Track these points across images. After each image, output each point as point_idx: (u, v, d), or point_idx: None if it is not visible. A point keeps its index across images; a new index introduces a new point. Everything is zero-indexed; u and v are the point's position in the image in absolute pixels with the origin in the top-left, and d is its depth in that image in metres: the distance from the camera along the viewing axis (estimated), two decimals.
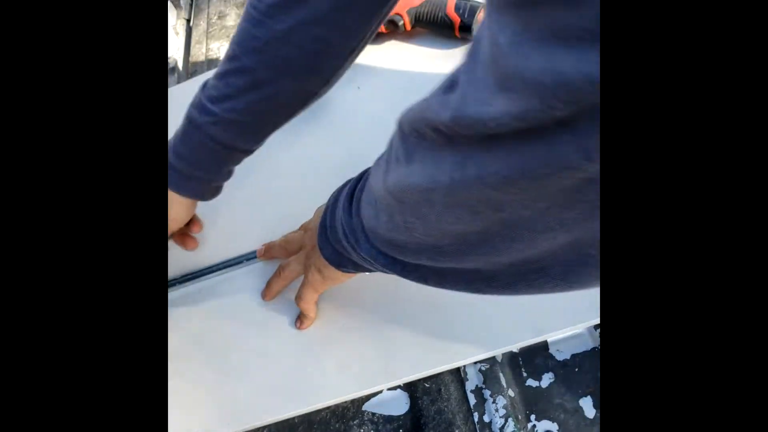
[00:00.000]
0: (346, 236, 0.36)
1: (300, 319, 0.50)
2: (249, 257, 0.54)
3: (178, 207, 0.50)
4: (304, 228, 0.51)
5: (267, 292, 0.52)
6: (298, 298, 0.48)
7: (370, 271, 0.39)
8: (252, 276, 0.55)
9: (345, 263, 0.40)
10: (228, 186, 0.62)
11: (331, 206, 0.39)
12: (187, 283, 0.56)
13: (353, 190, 0.36)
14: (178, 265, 0.57)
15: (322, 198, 0.57)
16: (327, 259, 0.41)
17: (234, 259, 0.55)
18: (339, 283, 0.45)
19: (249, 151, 0.48)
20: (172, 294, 0.57)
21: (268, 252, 0.53)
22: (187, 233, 0.57)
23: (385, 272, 0.36)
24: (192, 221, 0.57)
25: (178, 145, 0.47)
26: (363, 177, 0.36)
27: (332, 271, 0.43)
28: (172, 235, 0.57)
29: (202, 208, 0.62)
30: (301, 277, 0.48)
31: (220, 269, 0.55)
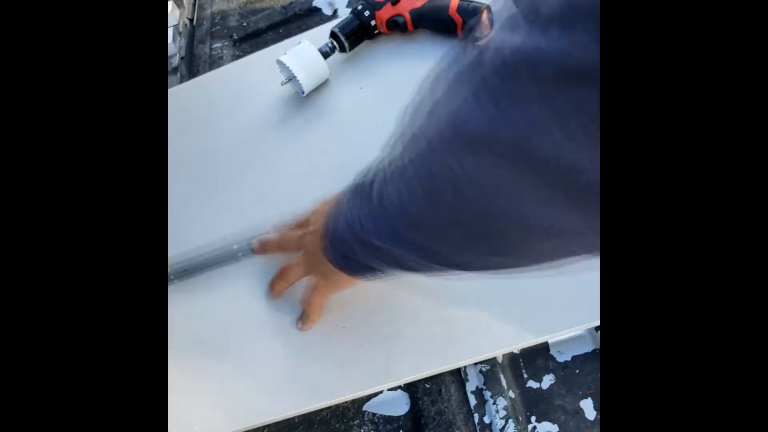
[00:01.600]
0: (357, 230, 0.35)
1: (302, 320, 0.50)
2: (244, 252, 0.54)
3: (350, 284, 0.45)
4: (300, 225, 0.49)
5: (271, 293, 0.52)
6: (305, 302, 0.48)
7: (376, 271, 0.39)
8: (252, 276, 0.55)
9: (352, 265, 0.40)
10: (230, 184, 0.62)
11: (334, 212, 0.39)
12: (186, 278, 0.56)
13: (362, 185, 0.35)
14: (176, 261, 0.57)
15: (328, 190, 0.57)
16: (336, 264, 0.41)
17: (228, 250, 0.54)
18: (345, 287, 0.46)
19: None
20: (171, 290, 0.57)
21: (263, 248, 0.52)
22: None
23: (398, 268, 0.36)
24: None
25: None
26: (367, 173, 0.36)
27: (338, 275, 0.43)
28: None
29: (205, 206, 0.62)
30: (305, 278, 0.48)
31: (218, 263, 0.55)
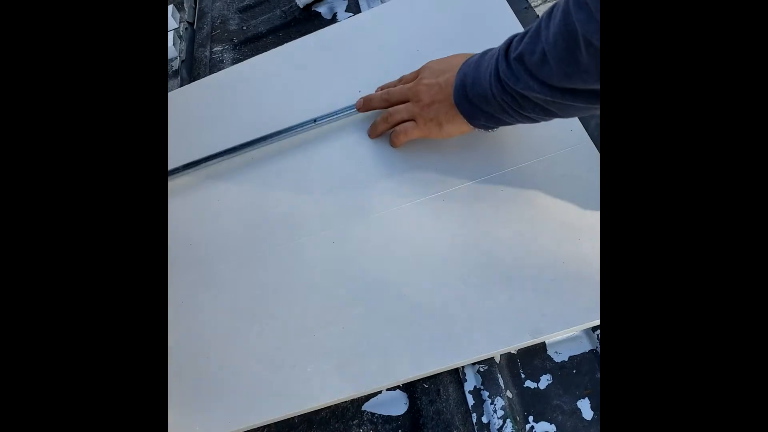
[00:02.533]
0: (496, 84, 0.44)
1: (392, 141, 0.57)
2: (348, 110, 0.60)
3: (456, 130, 0.52)
4: (406, 81, 0.57)
5: (372, 132, 0.59)
6: (401, 133, 0.55)
7: (497, 122, 0.48)
8: (250, 277, 0.55)
9: (478, 116, 0.48)
10: (230, 187, 0.63)
11: (473, 69, 0.47)
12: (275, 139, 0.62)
13: (507, 47, 0.43)
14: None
15: (328, 197, 0.58)
16: (463, 112, 0.49)
17: (333, 113, 0.60)
18: (450, 136, 0.53)
19: None
20: (173, 283, 0.57)
21: (368, 104, 0.58)
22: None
23: (519, 117, 0.45)
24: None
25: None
26: (515, 39, 0.43)
27: (453, 125, 0.51)
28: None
29: (205, 208, 0.62)
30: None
31: (322, 119, 0.61)
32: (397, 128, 0.56)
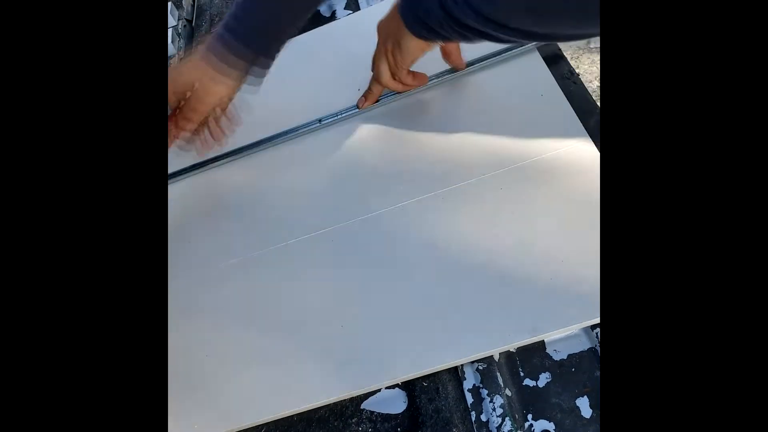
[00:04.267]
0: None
1: (365, 96, 0.60)
2: (352, 109, 0.62)
3: (223, 85, 0.50)
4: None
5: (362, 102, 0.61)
6: (377, 78, 0.58)
7: (442, 38, 0.48)
8: (250, 276, 0.55)
9: (421, 29, 0.48)
10: (229, 184, 0.63)
11: None
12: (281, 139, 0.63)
13: None
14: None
15: (326, 195, 0.58)
16: (410, 28, 0.49)
17: (338, 112, 0.62)
18: (414, 56, 0.54)
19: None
20: (174, 278, 0.57)
21: (367, 101, 0.61)
22: (219, 124, 0.57)
23: (460, 32, 0.45)
24: (231, 113, 0.57)
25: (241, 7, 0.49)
26: None
27: (409, 42, 0.51)
28: (205, 120, 0.56)
29: (204, 205, 0.62)
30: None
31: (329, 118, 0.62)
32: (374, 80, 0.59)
